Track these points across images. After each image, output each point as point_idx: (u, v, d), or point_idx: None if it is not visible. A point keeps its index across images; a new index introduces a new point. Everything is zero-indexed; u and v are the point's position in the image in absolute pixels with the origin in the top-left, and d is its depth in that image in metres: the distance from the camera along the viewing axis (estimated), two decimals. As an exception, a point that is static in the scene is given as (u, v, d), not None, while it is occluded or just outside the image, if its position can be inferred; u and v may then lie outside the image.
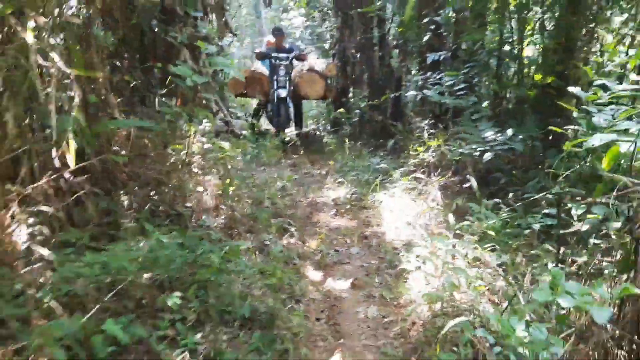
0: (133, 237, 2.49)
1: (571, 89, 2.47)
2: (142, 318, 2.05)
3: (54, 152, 2.40)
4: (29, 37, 2.12)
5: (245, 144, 5.21)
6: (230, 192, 3.51)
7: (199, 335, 2.11)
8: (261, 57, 7.44)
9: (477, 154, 3.61)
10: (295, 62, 7.24)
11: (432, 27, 5.27)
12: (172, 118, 3.32)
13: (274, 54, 7.14)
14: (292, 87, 7.01)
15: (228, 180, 3.52)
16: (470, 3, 4.56)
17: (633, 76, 2.97)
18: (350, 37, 7.75)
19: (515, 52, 4.19)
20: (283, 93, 6.86)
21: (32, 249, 2.14)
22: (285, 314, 2.50)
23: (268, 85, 7.04)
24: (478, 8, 4.46)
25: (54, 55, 2.21)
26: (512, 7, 4.31)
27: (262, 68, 7.45)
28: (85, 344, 1.80)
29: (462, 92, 4.44)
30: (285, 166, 6.08)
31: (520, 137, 3.42)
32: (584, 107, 2.31)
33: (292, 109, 7.15)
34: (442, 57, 4.92)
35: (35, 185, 2.28)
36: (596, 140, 1.92)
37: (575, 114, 2.36)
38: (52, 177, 2.36)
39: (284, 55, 7.11)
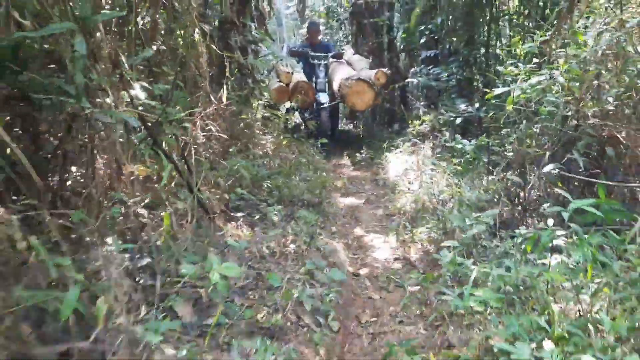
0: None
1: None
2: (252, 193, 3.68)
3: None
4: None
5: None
6: (283, 146, 5.17)
7: (280, 207, 3.73)
8: (296, 55, 7.11)
9: (451, 119, 5.23)
10: (331, 60, 6.93)
11: (427, 32, 6.91)
12: (243, 94, 4.98)
13: (311, 53, 6.83)
14: (336, 93, 6.63)
15: (281, 137, 5.19)
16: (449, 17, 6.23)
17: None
18: (364, 42, 9.31)
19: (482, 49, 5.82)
20: (324, 98, 6.48)
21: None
22: (326, 204, 4.15)
23: (313, 93, 6.42)
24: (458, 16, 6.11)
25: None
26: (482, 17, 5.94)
27: (298, 71, 6.85)
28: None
29: (446, 79, 6.07)
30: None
31: (477, 105, 5.03)
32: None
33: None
34: (432, 54, 6.56)
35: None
36: (498, 90, 3.53)
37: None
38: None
39: (322, 54, 6.82)
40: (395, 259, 3.39)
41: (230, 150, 4.10)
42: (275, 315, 2.13)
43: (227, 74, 4.05)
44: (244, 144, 4.69)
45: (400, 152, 6.10)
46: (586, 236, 1.86)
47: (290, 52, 7.33)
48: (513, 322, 1.70)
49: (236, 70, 5.35)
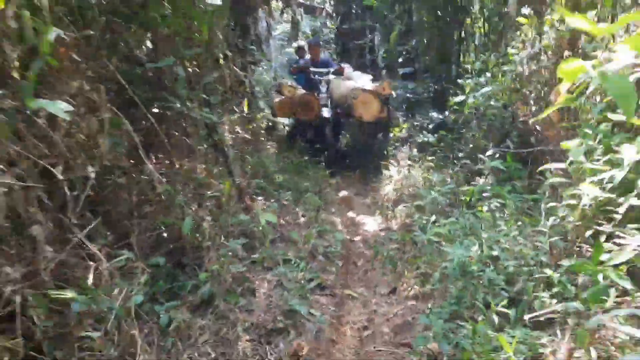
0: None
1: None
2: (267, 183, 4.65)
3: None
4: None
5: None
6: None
7: (290, 192, 4.67)
8: (298, 71, 7.20)
9: (425, 125, 6.29)
10: (332, 76, 6.92)
11: (404, 52, 8.01)
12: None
13: (312, 69, 6.87)
14: (340, 106, 6.58)
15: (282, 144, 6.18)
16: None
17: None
18: (348, 62, 10.36)
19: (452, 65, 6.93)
20: (326, 113, 6.42)
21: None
22: (324, 193, 5.13)
23: (318, 107, 6.38)
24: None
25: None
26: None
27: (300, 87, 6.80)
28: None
29: (422, 92, 7.15)
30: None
31: (447, 112, 6.10)
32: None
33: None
34: (409, 71, 7.66)
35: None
36: (457, 99, 4.58)
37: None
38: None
39: (324, 70, 6.85)
40: (381, 230, 4.39)
41: (245, 150, 5.09)
42: (300, 252, 3.10)
43: (247, 89, 5.06)
44: (254, 147, 5.68)
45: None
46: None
47: (291, 68, 7.50)
48: (456, 244, 2.69)
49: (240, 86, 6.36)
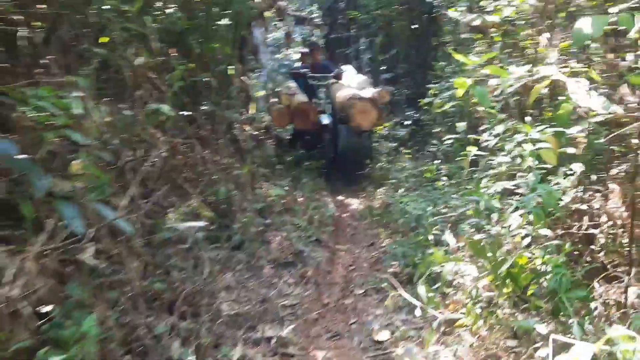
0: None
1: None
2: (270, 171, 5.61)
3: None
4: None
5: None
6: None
7: (289, 179, 5.61)
8: (297, 76, 7.05)
9: (402, 122, 7.30)
10: (332, 81, 6.79)
11: (386, 59, 9.04)
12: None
13: (310, 74, 6.72)
14: (340, 114, 6.45)
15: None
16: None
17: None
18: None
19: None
20: (325, 120, 6.36)
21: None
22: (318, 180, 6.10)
23: (314, 115, 6.37)
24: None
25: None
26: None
27: (300, 92, 6.74)
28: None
29: (401, 94, 8.16)
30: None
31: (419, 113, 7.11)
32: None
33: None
34: (390, 76, 8.68)
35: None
36: (426, 100, 5.58)
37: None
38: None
39: (322, 75, 6.72)
40: (364, 207, 5.37)
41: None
42: (300, 220, 4.06)
43: (249, 94, 6.01)
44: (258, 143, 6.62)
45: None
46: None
47: (290, 73, 7.57)
48: (417, 206, 3.67)
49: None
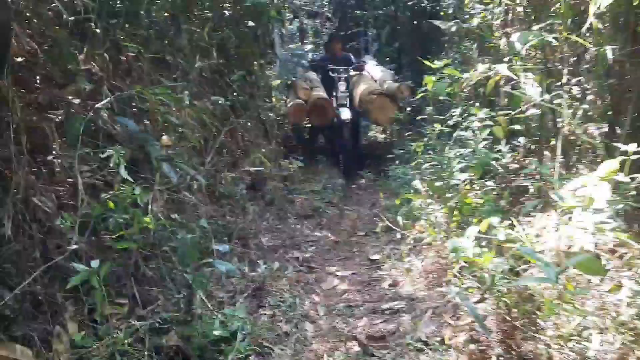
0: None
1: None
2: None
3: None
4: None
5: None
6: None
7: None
8: (315, 67, 6.92)
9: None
10: (353, 72, 6.64)
11: (391, 51, 9.96)
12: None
13: (330, 66, 6.46)
14: (359, 110, 6.39)
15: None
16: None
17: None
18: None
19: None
20: (346, 114, 6.06)
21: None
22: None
23: (332, 111, 6.17)
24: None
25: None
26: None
27: (318, 86, 6.64)
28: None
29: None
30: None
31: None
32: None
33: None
34: (393, 67, 9.62)
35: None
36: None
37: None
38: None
39: (343, 67, 6.46)
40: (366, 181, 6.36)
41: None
42: (316, 187, 5.07)
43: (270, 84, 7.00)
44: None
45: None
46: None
47: (309, 64, 7.45)
48: (409, 175, 4.65)
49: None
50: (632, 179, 2.07)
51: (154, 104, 2.64)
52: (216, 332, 2.19)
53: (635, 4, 2.55)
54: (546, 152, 3.69)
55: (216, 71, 4.06)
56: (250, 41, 5.08)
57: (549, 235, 2.19)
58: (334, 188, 5.28)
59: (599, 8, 2.20)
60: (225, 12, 4.81)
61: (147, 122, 2.86)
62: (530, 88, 3.22)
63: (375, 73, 7.05)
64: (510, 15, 4.12)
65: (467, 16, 4.82)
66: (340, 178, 5.80)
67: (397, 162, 6.33)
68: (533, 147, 3.69)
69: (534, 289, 1.97)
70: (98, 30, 2.57)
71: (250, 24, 5.01)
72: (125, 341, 1.90)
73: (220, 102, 3.64)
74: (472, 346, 2.08)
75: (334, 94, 6.30)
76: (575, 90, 3.24)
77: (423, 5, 7.47)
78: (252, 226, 3.59)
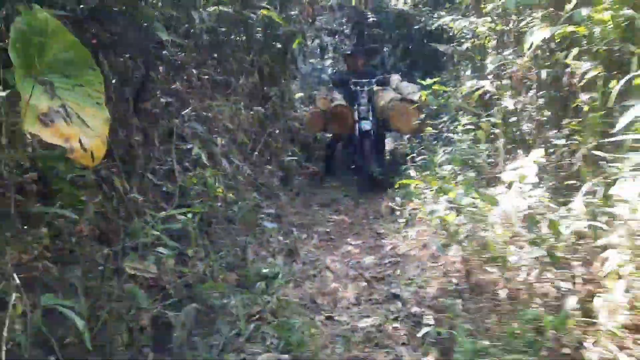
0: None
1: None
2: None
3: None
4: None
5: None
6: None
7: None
8: (338, 83, 6.82)
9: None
10: (376, 87, 6.47)
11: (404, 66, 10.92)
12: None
13: (353, 80, 6.37)
14: (379, 119, 6.14)
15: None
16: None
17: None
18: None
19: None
20: (367, 126, 5.89)
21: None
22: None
23: (352, 119, 6.09)
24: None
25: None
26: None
27: (339, 98, 6.59)
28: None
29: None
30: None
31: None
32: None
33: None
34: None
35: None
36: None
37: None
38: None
39: (365, 80, 6.35)
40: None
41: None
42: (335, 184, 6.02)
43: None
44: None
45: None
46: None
47: (330, 79, 7.49)
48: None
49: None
50: (550, 162, 2.98)
51: (215, 113, 3.63)
52: (264, 271, 3.15)
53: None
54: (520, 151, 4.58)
55: (255, 87, 5.07)
56: (280, 61, 6.09)
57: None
58: (349, 184, 6.21)
59: (530, 46, 3.11)
60: (259, 36, 5.83)
61: (209, 126, 3.86)
62: (507, 99, 4.16)
63: (401, 87, 6.73)
64: (495, 41, 5.03)
65: (463, 40, 5.74)
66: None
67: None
68: (509, 147, 4.59)
69: (486, 237, 2.88)
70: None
71: (279, 45, 6.03)
72: (206, 272, 2.86)
73: (260, 112, 4.64)
74: (443, 279, 3.00)
75: (356, 107, 6.19)
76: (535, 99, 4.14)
77: (428, 28, 8.36)
78: (283, 209, 4.56)
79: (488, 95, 4.54)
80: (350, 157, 6.63)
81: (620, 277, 1.81)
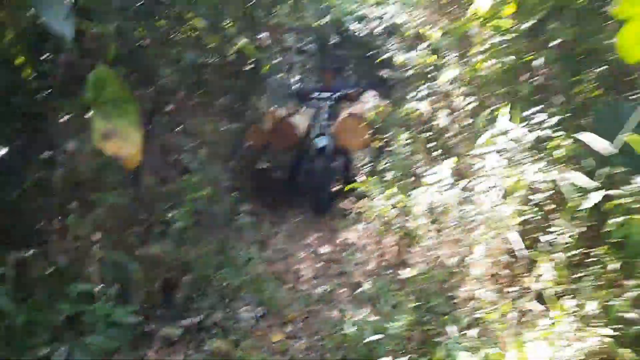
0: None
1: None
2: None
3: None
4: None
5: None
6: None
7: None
8: (301, 97, 6.52)
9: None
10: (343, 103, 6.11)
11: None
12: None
13: (315, 94, 6.18)
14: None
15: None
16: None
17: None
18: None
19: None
20: (322, 142, 5.59)
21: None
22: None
23: (298, 135, 5.71)
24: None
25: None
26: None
27: (303, 114, 6.19)
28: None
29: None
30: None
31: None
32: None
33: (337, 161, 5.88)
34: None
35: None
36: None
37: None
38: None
39: (327, 94, 6.11)
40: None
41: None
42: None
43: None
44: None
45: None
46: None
47: (296, 94, 6.92)
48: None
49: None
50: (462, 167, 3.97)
51: (200, 129, 4.49)
52: (241, 259, 4.00)
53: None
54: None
55: (231, 105, 5.95)
56: (251, 81, 6.98)
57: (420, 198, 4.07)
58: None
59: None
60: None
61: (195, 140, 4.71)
62: (437, 119, 5.16)
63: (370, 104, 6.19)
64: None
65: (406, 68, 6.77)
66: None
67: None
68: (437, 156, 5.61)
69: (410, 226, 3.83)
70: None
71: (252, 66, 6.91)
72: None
73: (235, 127, 5.51)
74: (380, 258, 3.94)
75: (315, 122, 6.00)
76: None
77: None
78: (256, 209, 5.42)
79: (424, 114, 5.57)
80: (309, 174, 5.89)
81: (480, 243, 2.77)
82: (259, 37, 7.15)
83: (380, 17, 8.08)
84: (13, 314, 1.87)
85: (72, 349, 2.01)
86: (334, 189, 5.21)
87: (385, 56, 6.42)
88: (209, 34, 4.73)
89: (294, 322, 3.20)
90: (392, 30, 7.66)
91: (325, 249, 4.57)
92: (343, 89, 6.38)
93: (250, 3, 5.80)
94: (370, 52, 10.27)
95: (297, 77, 15.35)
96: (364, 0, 9.37)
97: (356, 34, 10.87)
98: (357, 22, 10.31)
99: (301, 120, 5.98)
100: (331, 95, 6.17)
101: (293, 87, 9.48)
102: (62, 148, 2.44)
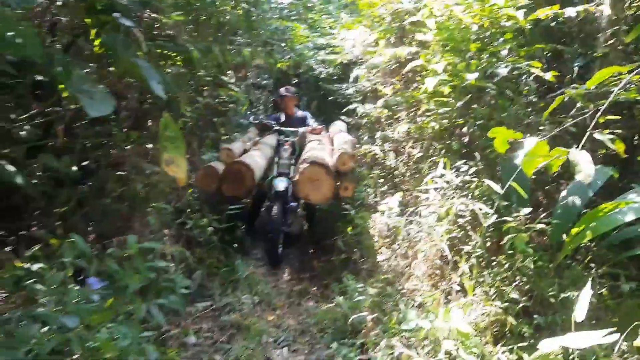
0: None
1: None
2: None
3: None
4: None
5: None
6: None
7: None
8: (262, 129, 5.90)
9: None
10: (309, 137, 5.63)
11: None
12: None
13: (276, 127, 5.71)
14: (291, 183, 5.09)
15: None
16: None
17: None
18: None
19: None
20: (281, 185, 5.08)
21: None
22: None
23: (252, 179, 5.04)
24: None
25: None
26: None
27: (263, 149, 5.66)
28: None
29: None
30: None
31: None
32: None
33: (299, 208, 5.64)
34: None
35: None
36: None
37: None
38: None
39: (290, 129, 5.68)
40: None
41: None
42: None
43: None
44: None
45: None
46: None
47: (256, 126, 6.26)
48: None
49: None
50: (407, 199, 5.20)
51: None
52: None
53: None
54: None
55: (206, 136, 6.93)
56: (222, 115, 8.00)
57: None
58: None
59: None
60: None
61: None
62: (388, 159, 6.39)
63: (337, 139, 5.87)
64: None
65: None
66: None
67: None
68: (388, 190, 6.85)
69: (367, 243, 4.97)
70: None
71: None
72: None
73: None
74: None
75: (275, 160, 5.48)
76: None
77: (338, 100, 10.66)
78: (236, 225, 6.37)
79: (377, 155, 6.82)
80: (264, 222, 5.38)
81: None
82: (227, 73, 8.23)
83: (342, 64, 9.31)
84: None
85: (149, 306, 2.93)
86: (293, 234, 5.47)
87: (347, 107, 7.66)
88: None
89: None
90: (355, 81, 8.76)
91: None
92: (306, 123, 6.01)
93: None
94: (331, 97, 11.58)
95: (261, 109, 16.28)
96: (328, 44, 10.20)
97: (314, 73, 12.06)
98: (319, 66, 11.60)
99: (259, 159, 5.44)
100: (294, 130, 5.79)
101: (255, 120, 9.95)
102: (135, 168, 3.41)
